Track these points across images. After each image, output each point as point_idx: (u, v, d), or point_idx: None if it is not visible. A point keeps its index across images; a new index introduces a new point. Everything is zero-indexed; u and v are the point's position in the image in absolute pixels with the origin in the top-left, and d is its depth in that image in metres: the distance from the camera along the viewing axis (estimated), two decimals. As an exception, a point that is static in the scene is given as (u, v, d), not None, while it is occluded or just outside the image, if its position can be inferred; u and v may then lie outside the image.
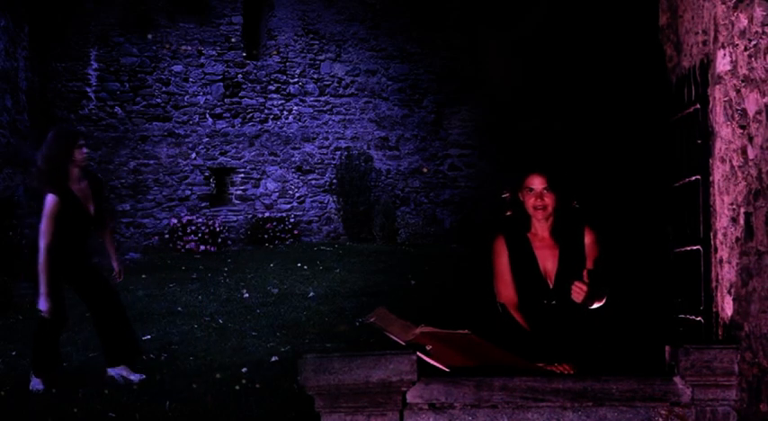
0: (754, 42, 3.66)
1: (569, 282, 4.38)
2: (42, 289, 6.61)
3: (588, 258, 4.43)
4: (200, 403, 6.17)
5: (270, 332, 8.65)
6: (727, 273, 3.92)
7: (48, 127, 14.36)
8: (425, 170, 16.44)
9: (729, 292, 3.89)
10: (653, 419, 3.81)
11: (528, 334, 4.36)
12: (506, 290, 4.46)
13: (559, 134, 13.26)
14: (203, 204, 15.41)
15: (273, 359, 7.52)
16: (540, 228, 4.49)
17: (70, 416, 6.04)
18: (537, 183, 4.43)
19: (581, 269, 4.40)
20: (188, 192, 15.32)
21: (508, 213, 4.53)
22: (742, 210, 3.76)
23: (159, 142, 15.19)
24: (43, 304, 6.62)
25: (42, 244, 6.60)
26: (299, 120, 15.89)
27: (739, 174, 3.79)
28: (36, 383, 6.81)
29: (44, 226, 6.60)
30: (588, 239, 4.45)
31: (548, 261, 4.45)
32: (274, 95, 15.77)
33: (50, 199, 6.65)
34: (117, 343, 6.97)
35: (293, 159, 15.85)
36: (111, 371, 6.99)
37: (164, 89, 15.20)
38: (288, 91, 15.84)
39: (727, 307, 3.90)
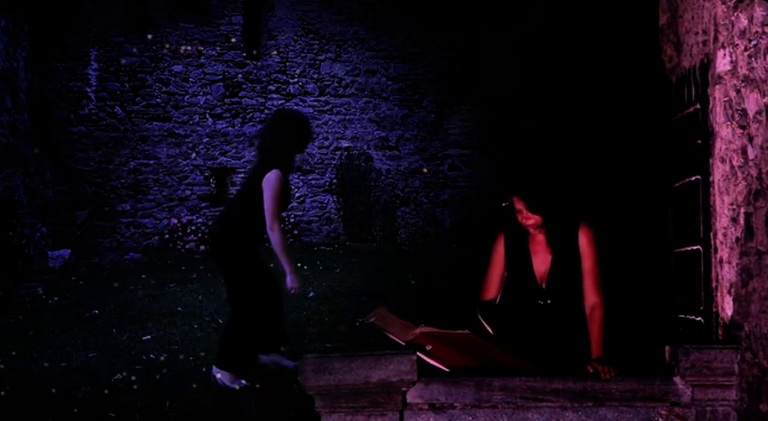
0: (754, 42, 3.66)
1: (560, 285, 4.44)
2: (288, 267, 6.52)
3: (584, 258, 4.45)
4: (201, 403, 6.17)
5: (270, 332, 8.64)
6: (727, 273, 3.92)
7: (48, 127, 14.38)
8: (425, 170, 16.43)
9: (729, 292, 3.89)
10: (653, 419, 3.81)
11: (516, 334, 4.40)
12: (489, 289, 4.54)
13: (559, 134, 13.25)
14: (203, 204, 15.40)
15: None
16: (538, 234, 4.53)
17: (70, 416, 6.04)
18: (518, 204, 4.48)
19: (575, 272, 4.44)
20: (188, 192, 15.31)
21: (509, 217, 4.57)
22: (742, 210, 3.76)
23: (159, 142, 15.19)
24: (294, 281, 6.53)
25: (276, 225, 6.41)
26: (299, 120, 15.88)
27: (739, 174, 3.79)
28: (227, 378, 6.51)
29: (272, 204, 6.40)
30: (583, 238, 4.47)
31: (543, 263, 4.49)
32: (274, 95, 15.76)
33: (276, 175, 6.43)
34: (272, 332, 6.81)
35: (293, 159, 15.85)
36: (264, 359, 6.86)
37: (164, 89, 15.20)
38: (288, 91, 15.84)
39: (727, 307, 3.90)
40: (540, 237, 4.51)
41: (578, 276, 4.44)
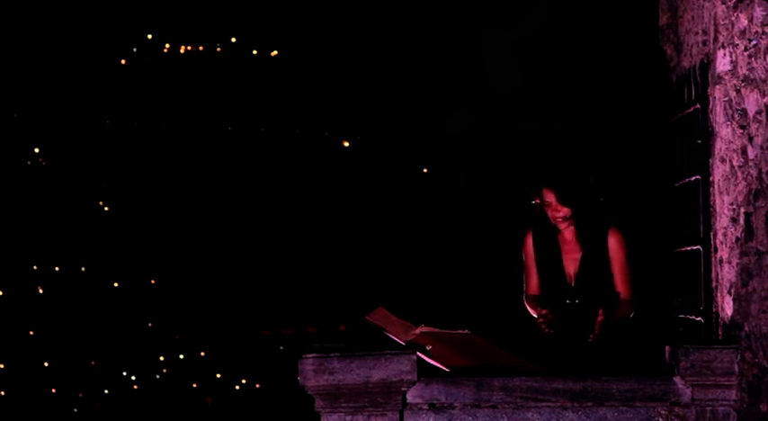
0: (754, 42, 3.66)
1: (590, 284, 4.50)
2: None
3: (612, 261, 4.50)
4: (201, 403, 6.18)
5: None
6: (727, 273, 3.92)
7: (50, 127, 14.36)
8: (425, 170, 16.43)
9: (729, 292, 3.89)
10: (653, 419, 3.82)
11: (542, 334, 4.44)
12: (531, 286, 4.63)
13: (559, 134, 13.27)
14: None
15: (273, 359, 7.53)
16: (567, 232, 4.58)
17: (70, 416, 6.05)
18: (549, 197, 4.51)
19: (603, 272, 4.51)
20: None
21: (536, 214, 4.60)
22: (742, 210, 3.77)
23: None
24: None
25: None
26: (300, 120, 15.89)
27: (739, 174, 3.79)
28: None
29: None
30: (613, 241, 4.51)
31: (572, 264, 4.54)
32: (274, 95, 15.78)
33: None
34: None
35: (293, 159, 15.86)
36: None
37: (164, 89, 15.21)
38: (288, 91, 15.85)
39: (727, 307, 3.91)
40: (569, 235, 4.56)
41: (607, 277, 4.49)
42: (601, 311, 4.38)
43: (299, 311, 9.53)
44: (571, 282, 4.53)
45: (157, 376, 7.02)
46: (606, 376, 3.85)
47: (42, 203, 13.70)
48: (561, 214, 4.50)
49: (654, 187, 5.10)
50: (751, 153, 3.70)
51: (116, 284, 11.23)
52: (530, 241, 4.63)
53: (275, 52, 14.97)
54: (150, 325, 8.99)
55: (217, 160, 11.85)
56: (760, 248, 3.62)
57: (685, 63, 4.47)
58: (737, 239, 3.81)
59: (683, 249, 4.46)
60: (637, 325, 5.36)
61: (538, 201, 4.56)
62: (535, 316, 4.53)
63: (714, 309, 4.06)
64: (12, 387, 6.82)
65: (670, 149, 4.64)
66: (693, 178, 4.28)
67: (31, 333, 8.94)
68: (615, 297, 4.52)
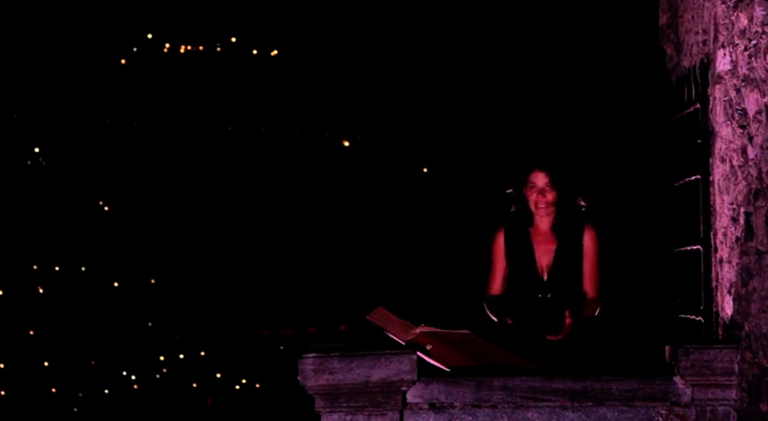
0: (754, 42, 3.67)
1: (562, 278, 4.48)
2: None
3: (585, 257, 4.49)
4: (201, 403, 6.19)
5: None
6: (727, 273, 3.92)
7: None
8: (425, 170, 16.43)
9: (729, 292, 3.89)
10: (653, 419, 3.82)
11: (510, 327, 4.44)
12: (494, 285, 4.60)
13: (560, 134, 13.27)
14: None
15: (273, 359, 7.54)
16: (542, 223, 4.56)
17: (70, 416, 6.06)
18: (539, 179, 4.50)
19: (576, 266, 4.48)
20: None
21: (513, 209, 4.60)
22: (742, 209, 3.77)
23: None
24: None
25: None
26: (300, 120, 15.89)
27: (739, 173, 3.79)
28: None
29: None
30: (588, 238, 4.51)
31: (545, 256, 4.52)
32: (274, 95, 15.77)
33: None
34: None
35: (293, 159, 15.86)
36: None
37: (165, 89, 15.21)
38: (288, 91, 15.84)
39: (727, 307, 3.91)
40: (543, 227, 4.54)
41: (580, 273, 4.48)
42: (568, 313, 4.35)
43: (299, 311, 9.54)
44: (543, 275, 4.51)
45: (157, 376, 7.02)
46: (606, 376, 3.86)
47: (42, 203, 13.70)
48: (548, 198, 4.48)
49: (654, 187, 5.10)
50: (751, 153, 3.70)
51: (116, 284, 11.24)
52: (501, 237, 4.60)
53: (275, 52, 14.98)
54: (150, 325, 8.99)
55: (217, 160, 11.85)
56: (760, 248, 3.63)
57: (685, 63, 4.47)
58: (737, 239, 3.81)
59: (683, 249, 4.47)
60: (637, 325, 5.37)
61: (514, 193, 4.56)
62: (494, 319, 4.52)
63: (714, 309, 4.07)
64: (12, 387, 6.82)
65: (670, 149, 4.65)
66: (693, 178, 4.29)
67: (31, 333, 8.95)
68: (583, 294, 4.52)
